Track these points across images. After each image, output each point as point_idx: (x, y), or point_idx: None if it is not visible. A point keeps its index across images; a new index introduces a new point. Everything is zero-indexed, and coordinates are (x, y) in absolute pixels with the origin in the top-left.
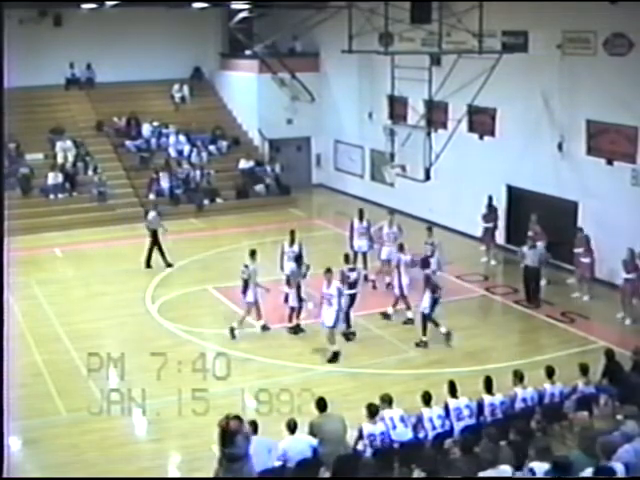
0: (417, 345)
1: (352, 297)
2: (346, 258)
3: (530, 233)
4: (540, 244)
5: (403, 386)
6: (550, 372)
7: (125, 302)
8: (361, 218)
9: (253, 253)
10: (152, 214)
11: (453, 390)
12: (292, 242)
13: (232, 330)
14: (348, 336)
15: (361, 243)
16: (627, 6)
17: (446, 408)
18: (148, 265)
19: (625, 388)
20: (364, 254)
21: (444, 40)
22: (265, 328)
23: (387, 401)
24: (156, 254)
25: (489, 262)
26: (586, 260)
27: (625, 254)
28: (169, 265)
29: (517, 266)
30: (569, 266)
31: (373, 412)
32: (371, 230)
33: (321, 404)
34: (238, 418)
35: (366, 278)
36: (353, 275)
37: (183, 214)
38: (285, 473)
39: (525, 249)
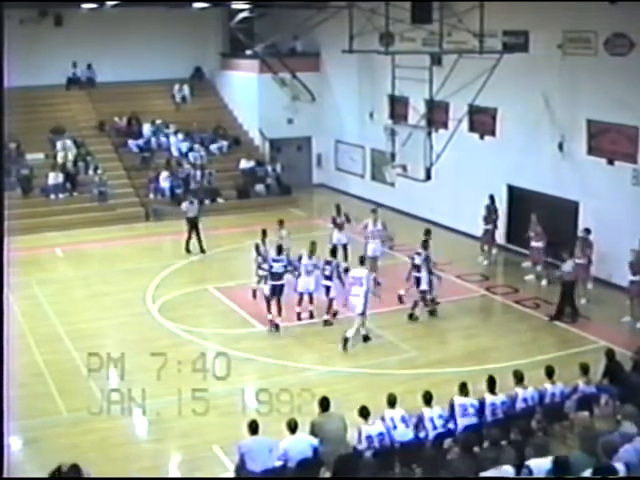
0: None
1: (275, 288)
2: (256, 250)
3: (531, 234)
4: (570, 262)
5: (403, 386)
6: (550, 372)
7: (125, 302)
8: (338, 212)
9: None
10: (185, 204)
11: (464, 390)
12: (264, 241)
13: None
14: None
15: (340, 236)
16: (627, 6)
17: (451, 405)
18: (187, 250)
19: (626, 388)
20: (344, 246)
21: (445, 40)
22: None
23: (391, 402)
24: (195, 240)
25: (489, 264)
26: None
27: (626, 254)
28: (203, 251)
29: (518, 266)
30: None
31: (366, 415)
32: (357, 227)
33: (324, 404)
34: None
35: (347, 270)
36: (277, 266)
37: (183, 214)
38: (286, 473)
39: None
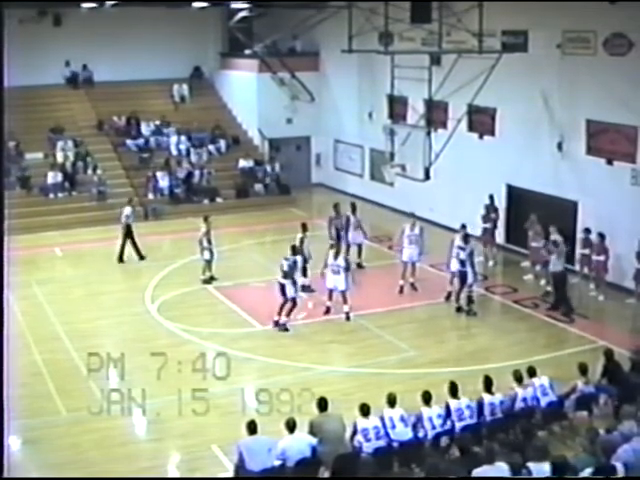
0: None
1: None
2: (301, 243)
3: (530, 233)
4: (552, 256)
5: (403, 386)
6: (532, 372)
7: (125, 301)
8: (354, 211)
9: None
10: (128, 209)
11: (454, 391)
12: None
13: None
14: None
15: (355, 235)
16: (627, 6)
17: (447, 409)
18: (121, 260)
19: (624, 388)
20: (359, 245)
21: (444, 40)
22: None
23: (391, 401)
24: (129, 248)
25: (487, 262)
26: (600, 258)
27: (625, 254)
28: (142, 258)
29: (517, 266)
30: (568, 265)
31: (366, 412)
32: (395, 234)
33: (322, 404)
34: None
35: (360, 266)
36: (285, 264)
37: (183, 213)
38: (285, 472)
39: (552, 257)
